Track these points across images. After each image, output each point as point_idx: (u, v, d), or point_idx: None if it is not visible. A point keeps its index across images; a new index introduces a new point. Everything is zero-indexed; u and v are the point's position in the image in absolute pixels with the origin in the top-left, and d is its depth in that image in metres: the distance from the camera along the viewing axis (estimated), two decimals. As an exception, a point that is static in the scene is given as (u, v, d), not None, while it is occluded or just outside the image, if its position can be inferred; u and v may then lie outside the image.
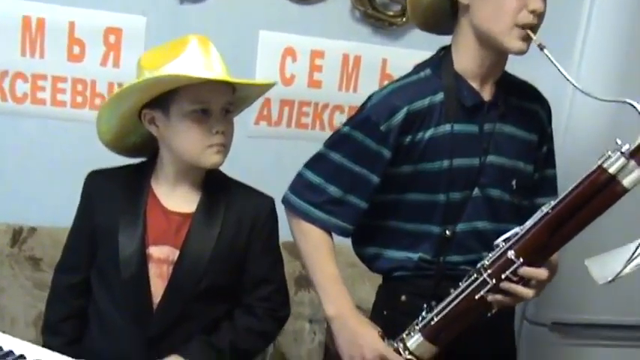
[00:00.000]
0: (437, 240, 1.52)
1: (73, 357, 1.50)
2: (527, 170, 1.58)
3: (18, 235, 2.22)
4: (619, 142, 1.28)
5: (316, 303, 2.28)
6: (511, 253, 1.36)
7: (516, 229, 1.38)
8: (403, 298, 1.56)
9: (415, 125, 1.47)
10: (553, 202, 1.33)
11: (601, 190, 1.30)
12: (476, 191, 1.52)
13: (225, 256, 1.58)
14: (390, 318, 1.58)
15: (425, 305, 1.48)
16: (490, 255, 1.40)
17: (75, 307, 1.65)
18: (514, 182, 1.55)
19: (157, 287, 1.56)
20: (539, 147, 1.60)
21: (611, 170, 1.28)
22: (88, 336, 1.64)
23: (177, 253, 1.56)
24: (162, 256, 1.57)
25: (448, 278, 1.52)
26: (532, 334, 2.37)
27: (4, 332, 2.14)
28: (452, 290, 1.48)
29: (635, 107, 1.28)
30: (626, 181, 1.28)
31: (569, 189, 1.33)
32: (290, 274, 2.17)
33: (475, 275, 1.40)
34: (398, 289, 1.58)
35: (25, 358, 1.40)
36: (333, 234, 1.54)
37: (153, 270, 1.56)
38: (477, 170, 1.51)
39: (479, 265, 1.40)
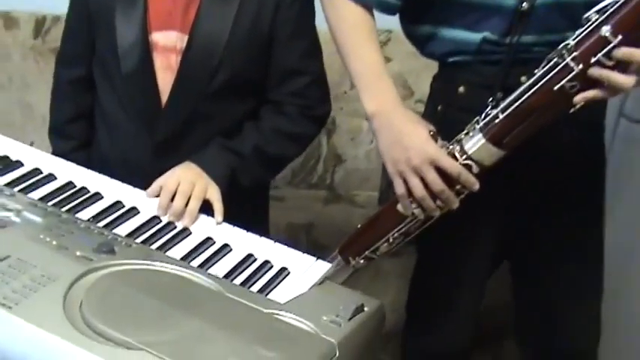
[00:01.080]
0: (509, 15, 1.18)
1: (83, 162, 1.33)
2: None
3: (41, 26, 2.00)
4: None
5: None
6: (606, 29, 1.01)
7: (615, -2, 1.02)
8: (461, 89, 1.26)
9: None
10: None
11: None
12: None
13: (245, 41, 1.30)
14: (445, 115, 1.29)
15: (490, 99, 1.18)
16: (577, 33, 1.05)
17: (81, 106, 1.44)
18: None
19: (165, 81, 1.31)
20: None
21: None
22: (95, 141, 1.44)
23: (185, 38, 1.29)
24: (168, 43, 1.30)
25: (519, 64, 1.20)
26: (631, 133, 2.00)
27: (35, 132, 2.06)
28: (523, 79, 1.17)
29: None
30: None
31: None
32: (343, 66, 1.89)
33: (556, 59, 1.06)
34: (455, 77, 1.27)
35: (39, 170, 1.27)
36: (374, 11, 1.22)
37: (159, 61, 1.31)
38: None
39: (561, 47, 1.06)
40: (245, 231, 1.22)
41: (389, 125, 1.18)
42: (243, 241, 1.20)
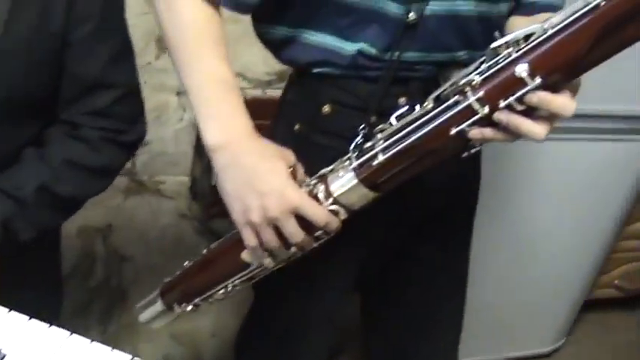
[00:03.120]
0: (391, 26, 0.94)
1: None
2: None
3: None
4: None
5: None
6: (522, 69, 0.81)
7: (534, 27, 0.82)
8: (327, 108, 1.01)
9: None
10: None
11: None
12: None
13: (25, 44, 0.93)
14: (303, 137, 1.04)
15: (362, 125, 0.96)
16: (481, 65, 0.85)
17: None
18: None
19: None
20: None
21: None
22: None
23: None
24: None
25: (399, 83, 0.99)
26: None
27: None
28: (402, 101, 0.97)
29: None
30: None
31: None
32: (148, 32, 1.55)
33: (456, 96, 0.85)
34: (319, 93, 1.02)
35: None
36: (221, 8, 0.92)
37: None
38: None
39: (463, 82, 0.85)
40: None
41: (237, 163, 0.90)
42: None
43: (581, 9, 0.79)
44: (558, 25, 0.80)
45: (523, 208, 1.80)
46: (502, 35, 0.88)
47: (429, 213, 1.12)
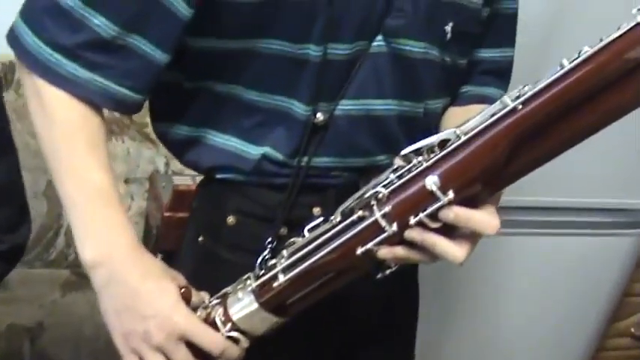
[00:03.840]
0: (298, 128, 0.83)
1: None
2: (473, 3, 0.88)
3: None
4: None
5: (133, 156, 1.60)
6: (433, 181, 0.69)
7: (448, 132, 0.71)
8: (231, 219, 0.89)
9: None
10: (548, 81, 0.65)
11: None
12: (378, 43, 0.82)
13: None
14: (208, 251, 0.92)
15: (269, 240, 0.84)
16: (390, 178, 0.73)
17: None
18: (450, 26, 0.86)
19: None
20: None
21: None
22: None
23: None
24: None
25: (311, 191, 0.87)
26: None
27: None
28: (316, 211, 0.87)
29: None
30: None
31: (578, 60, 0.64)
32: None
33: (360, 211, 0.74)
34: (223, 201, 0.90)
35: None
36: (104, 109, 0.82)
37: None
38: (382, 4, 0.80)
39: (369, 194, 0.73)
40: None
41: (117, 281, 0.78)
42: None
43: (497, 112, 0.68)
44: (472, 130, 0.69)
45: (499, 306, 1.66)
46: (436, 131, 0.78)
47: (359, 334, 0.99)
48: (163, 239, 1.46)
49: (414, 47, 0.83)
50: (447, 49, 0.87)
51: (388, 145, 0.86)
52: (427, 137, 0.73)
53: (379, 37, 0.81)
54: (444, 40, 0.86)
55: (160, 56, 0.77)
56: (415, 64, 0.84)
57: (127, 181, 1.60)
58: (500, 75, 0.99)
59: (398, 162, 0.74)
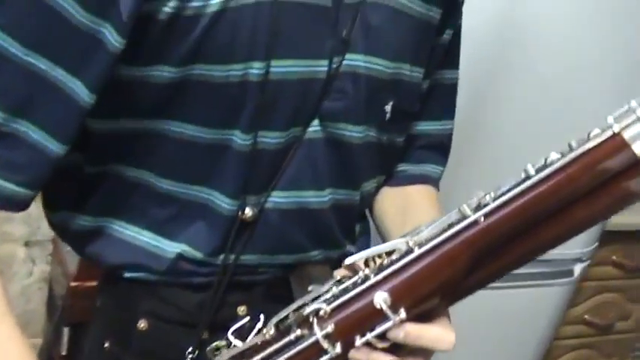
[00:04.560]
0: (222, 223, 0.73)
1: None
2: (414, 78, 0.80)
3: None
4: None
5: (34, 216, 1.45)
6: (382, 298, 0.61)
7: (398, 242, 0.63)
8: (143, 324, 0.77)
9: None
10: (514, 192, 0.58)
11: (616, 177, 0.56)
12: (314, 128, 0.73)
13: None
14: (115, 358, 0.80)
15: (189, 350, 0.74)
16: (333, 292, 0.64)
17: None
18: (390, 105, 0.78)
19: None
20: (440, 30, 0.83)
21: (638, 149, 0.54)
22: None
23: None
24: None
25: (237, 290, 0.77)
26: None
27: None
28: (242, 310, 0.77)
29: None
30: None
31: (545, 172, 0.56)
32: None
33: (298, 329, 0.64)
34: (133, 303, 0.78)
35: None
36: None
37: None
38: (320, 85, 0.71)
39: (309, 311, 0.64)
40: None
41: None
42: None
43: (456, 223, 0.60)
44: (428, 242, 0.61)
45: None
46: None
47: None
48: (70, 311, 1.32)
49: (353, 131, 0.75)
50: (386, 129, 0.79)
51: (322, 239, 0.77)
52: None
53: (315, 122, 0.73)
54: (383, 121, 0.78)
55: (54, 147, 0.65)
56: (352, 149, 0.76)
57: (27, 244, 1.45)
58: (440, 149, 0.93)
59: (342, 272, 0.65)
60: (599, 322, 1.93)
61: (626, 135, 0.54)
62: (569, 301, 1.82)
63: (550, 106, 1.44)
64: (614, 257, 1.86)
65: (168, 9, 0.63)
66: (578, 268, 1.72)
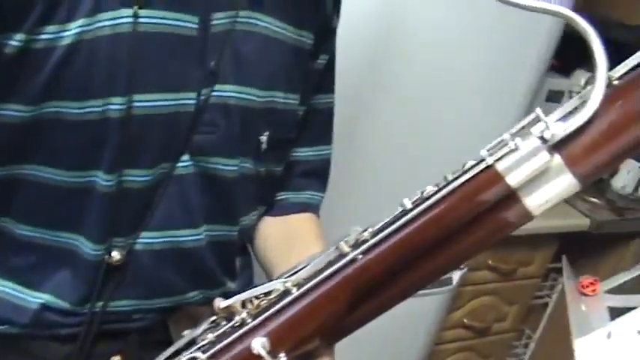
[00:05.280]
0: (88, 269, 0.68)
1: None
2: (289, 105, 0.78)
3: None
4: (538, 113, 0.53)
5: None
6: (260, 343, 0.58)
7: (275, 283, 0.60)
8: (7, 379, 0.71)
9: (36, 6, 0.57)
10: (391, 228, 0.56)
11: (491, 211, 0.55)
12: (184, 163, 0.69)
13: None
14: None
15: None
16: (207, 336, 0.61)
17: None
18: (265, 136, 0.75)
19: None
20: (314, 55, 0.81)
21: (511, 181, 0.54)
22: None
23: None
24: None
25: (110, 338, 0.72)
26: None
27: None
28: (117, 358, 0.72)
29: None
30: (533, 201, 0.55)
31: (423, 203, 0.55)
32: None
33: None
34: (-3, 357, 0.72)
35: None
36: None
37: None
38: (188, 119, 0.67)
39: (187, 356, 0.60)
40: None
41: None
42: None
43: (334, 262, 0.58)
44: (306, 283, 0.58)
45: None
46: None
47: None
48: None
49: (227, 165, 0.71)
50: (263, 159, 0.76)
51: (200, 279, 0.73)
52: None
53: (185, 157, 0.69)
54: (259, 152, 0.75)
55: None
56: (228, 183, 0.72)
57: None
58: (318, 176, 0.91)
59: (219, 312, 0.62)
60: (477, 325, 1.98)
61: (500, 167, 0.54)
62: (449, 307, 1.86)
63: (424, 128, 1.41)
64: (489, 261, 1.91)
65: (15, 42, 0.57)
66: (456, 276, 1.75)
